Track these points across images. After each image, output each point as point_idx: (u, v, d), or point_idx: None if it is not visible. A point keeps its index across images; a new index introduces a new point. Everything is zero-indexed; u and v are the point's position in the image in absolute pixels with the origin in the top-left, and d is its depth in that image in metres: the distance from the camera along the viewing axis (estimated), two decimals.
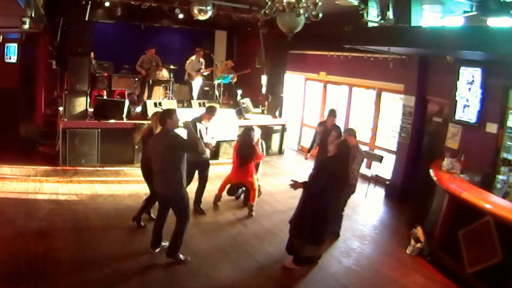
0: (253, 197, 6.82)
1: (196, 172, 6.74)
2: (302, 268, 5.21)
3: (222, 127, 9.75)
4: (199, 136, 6.47)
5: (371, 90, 9.69)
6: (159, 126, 5.08)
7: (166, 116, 4.89)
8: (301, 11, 5.12)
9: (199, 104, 10.48)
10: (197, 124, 6.51)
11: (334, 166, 5.02)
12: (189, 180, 6.82)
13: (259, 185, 7.12)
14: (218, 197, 7.08)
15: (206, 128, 6.67)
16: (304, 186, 5.10)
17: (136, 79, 11.15)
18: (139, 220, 6.05)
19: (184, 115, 6.90)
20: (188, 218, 5.19)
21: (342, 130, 7.32)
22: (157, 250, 5.29)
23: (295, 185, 5.13)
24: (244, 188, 7.27)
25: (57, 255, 5.08)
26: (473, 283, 4.90)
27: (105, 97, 10.28)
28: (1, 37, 10.25)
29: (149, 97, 10.89)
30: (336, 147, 5.09)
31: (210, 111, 6.69)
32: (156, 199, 5.46)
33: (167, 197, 5.08)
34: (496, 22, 5.68)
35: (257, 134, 6.89)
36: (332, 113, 7.56)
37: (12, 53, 11.10)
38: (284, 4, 5.14)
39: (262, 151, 7.10)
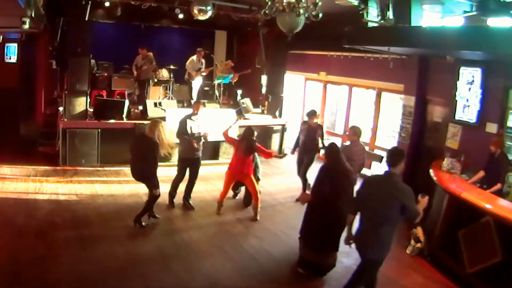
0: (257, 198, 6.76)
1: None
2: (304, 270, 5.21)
3: (222, 127, 9.75)
4: (189, 131, 6.68)
5: (371, 90, 9.69)
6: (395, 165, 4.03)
7: (398, 157, 4.03)
8: (301, 11, 5.11)
9: None
10: (188, 120, 6.74)
11: (331, 171, 4.98)
12: (181, 178, 6.89)
13: (259, 191, 7.05)
14: (220, 203, 6.89)
15: (198, 125, 6.84)
16: (312, 194, 5.04)
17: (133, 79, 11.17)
18: (140, 221, 6.05)
19: (183, 114, 7.05)
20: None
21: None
22: None
23: (304, 198, 5.08)
24: (244, 187, 7.28)
25: (57, 255, 5.08)
26: (473, 283, 4.90)
27: (105, 97, 10.28)
28: (1, 37, 10.25)
29: (146, 97, 10.87)
30: (324, 153, 5.13)
31: (194, 104, 7.22)
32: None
33: (370, 260, 4.14)
34: (496, 22, 5.68)
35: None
36: (313, 113, 7.69)
37: (12, 53, 11.09)
38: (284, 4, 5.14)
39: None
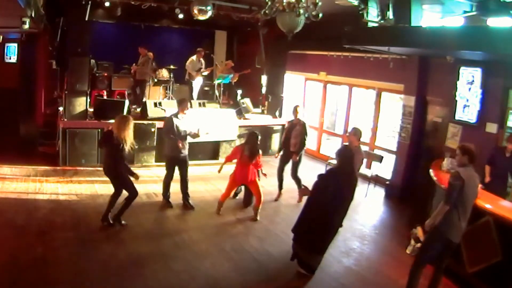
0: (260, 201, 6.73)
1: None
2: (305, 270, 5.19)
3: (222, 127, 9.77)
4: (176, 130, 6.66)
5: (371, 90, 9.69)
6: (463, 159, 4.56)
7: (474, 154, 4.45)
8: (301, 11, 5.12)
9: (199, 104, 10.47)
10: (174, 119, 6.73)
11: (340, 178, 4.92)
12: (170, 176, 6.94)
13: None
14: (221, 204, 6.90)
15: (185, 124, 6.82)
16: (312, 195, 5.03)
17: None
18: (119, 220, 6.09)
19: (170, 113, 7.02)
20: None
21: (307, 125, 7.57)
22: None
23: (304, 192, 5.08)
24: (243, 187, 7.28)
25: (57, 255, 5.08)
26: (473, 283, 4.91)
27: (105, 97, 10.28)
28: (1, 37, 10.25)
29: (142, 97, 10.85)
30: (337, 156, 5.04)
31: (180, 104, 6.91)
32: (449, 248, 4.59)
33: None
34: (496, 22, 5.67)
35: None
36: (294, 109, 7.61)
37: (12, 53, 11.12)
38: (284, 4, 5.15)
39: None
